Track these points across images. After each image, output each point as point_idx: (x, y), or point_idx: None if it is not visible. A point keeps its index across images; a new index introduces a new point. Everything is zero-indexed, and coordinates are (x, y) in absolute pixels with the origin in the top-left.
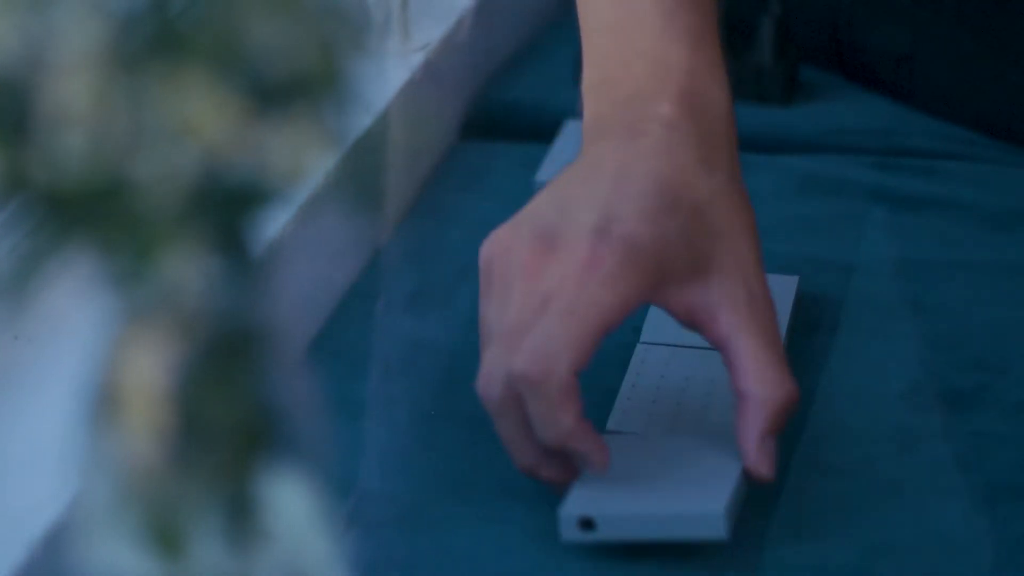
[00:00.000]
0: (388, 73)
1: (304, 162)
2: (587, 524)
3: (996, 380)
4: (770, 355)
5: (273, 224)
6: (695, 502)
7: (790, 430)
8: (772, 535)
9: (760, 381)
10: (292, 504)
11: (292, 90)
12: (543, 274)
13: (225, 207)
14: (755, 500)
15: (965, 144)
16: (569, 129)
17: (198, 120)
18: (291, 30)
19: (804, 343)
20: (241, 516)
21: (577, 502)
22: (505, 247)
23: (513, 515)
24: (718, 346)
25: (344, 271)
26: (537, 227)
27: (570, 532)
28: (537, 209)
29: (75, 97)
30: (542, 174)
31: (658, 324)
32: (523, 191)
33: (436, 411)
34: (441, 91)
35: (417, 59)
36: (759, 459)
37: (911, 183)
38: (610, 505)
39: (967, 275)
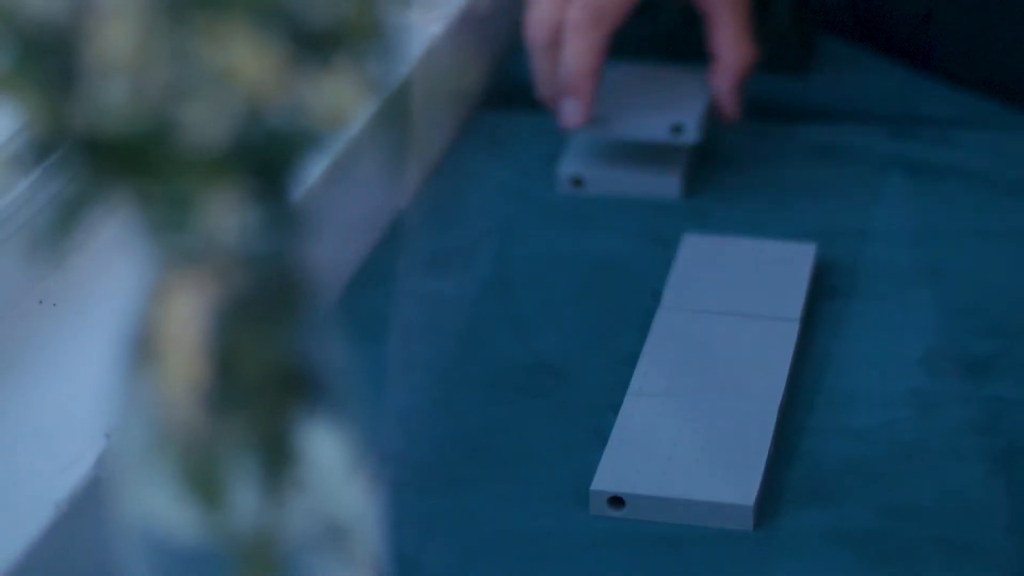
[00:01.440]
0: (408, 42)
1: (343, 112)
2: (617, 502)
3: (1012, 345)
4: (739, 27)
5: (304, 181)
6: (725, 491)
7: (808, 393)
8: (790, 498)
9: (729, 48)
10: (327, 453)
11: (332, 39)
12: None
13: (265, 155)
14: (774, 463)
15: (981, 113)
16: None
17: (239, 68)
18: None
19: (822, 309)
20: (277, 465)
21: (607, 478)
22: None
23: (530, 476)
24: (704, 13)
25: (364, 235)
26: None
27: (599, 508)
28: None
29: (118, 45)
30: (566, 166)
31: (678, 290)
32: (540, 159)
33: (454, 373)
34: (460, 61)
35: (436, 29)
36: (728, 103)
37: (927, 151)
38: (640, 483)
39: (983, 242)
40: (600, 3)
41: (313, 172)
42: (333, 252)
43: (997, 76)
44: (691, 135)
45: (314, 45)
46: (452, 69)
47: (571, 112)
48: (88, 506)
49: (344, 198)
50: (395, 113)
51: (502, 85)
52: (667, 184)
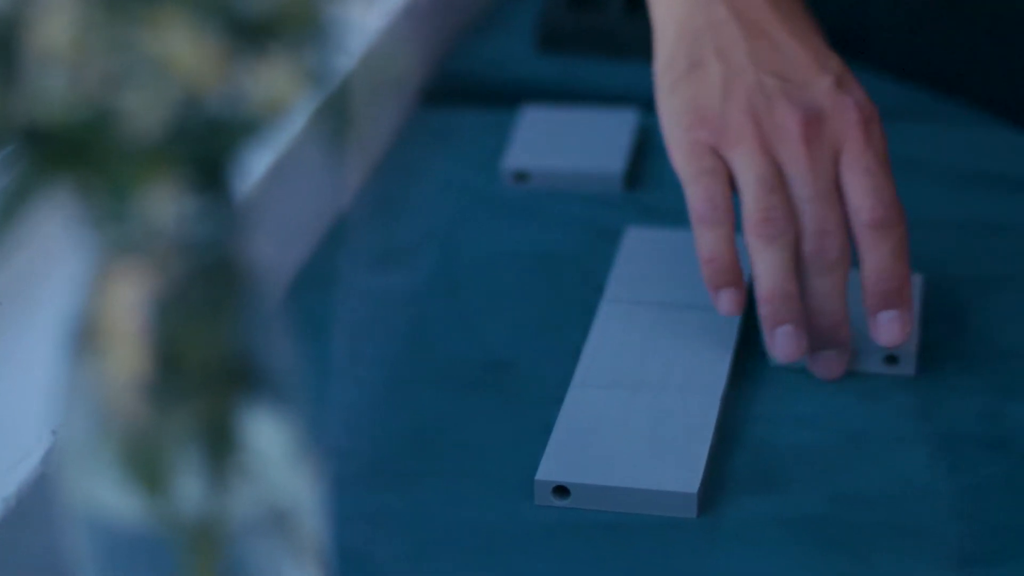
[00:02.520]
0: (347, 34)
1: (281, 101)
2: (561, 492)
3: (956, 333)
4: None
5: (243, 177)
6: (669, 479)
7: (752, 382)
8: (736, 486)
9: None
10: (270, 442)
11: (269, 29)
12: (821, 138)
13: (204, 145)
14: (720, 452)
15: (923, 104)
16: (529, 116)
17: (178, 58)
18: None
19: None
20: (220, 453)
21: (552, 468)
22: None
23: (477, 469)
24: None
25: (308, 232)
26: (790, 99)
27: (544, 498)
28: (749, 87)
29: (57, 36)
30: (510, 160)
31: (621, 282)
32: (484, 154)
33: (401, 369)
34: (402, 56)
35: (378, 23)
36: None
37: None
38: (585, 473)
39: (925, 233)
40: (890, 194)
41: (256, 170)
42: (277, 250)
43: (932, 67)
44: (909, 367)
45: (251, 34)
46: (394, 64)
47: (832, 365)
48: (36, 502)
49: (287, 196)
50: (337, 109)
51: (444, 80)
52: (610, 178)
